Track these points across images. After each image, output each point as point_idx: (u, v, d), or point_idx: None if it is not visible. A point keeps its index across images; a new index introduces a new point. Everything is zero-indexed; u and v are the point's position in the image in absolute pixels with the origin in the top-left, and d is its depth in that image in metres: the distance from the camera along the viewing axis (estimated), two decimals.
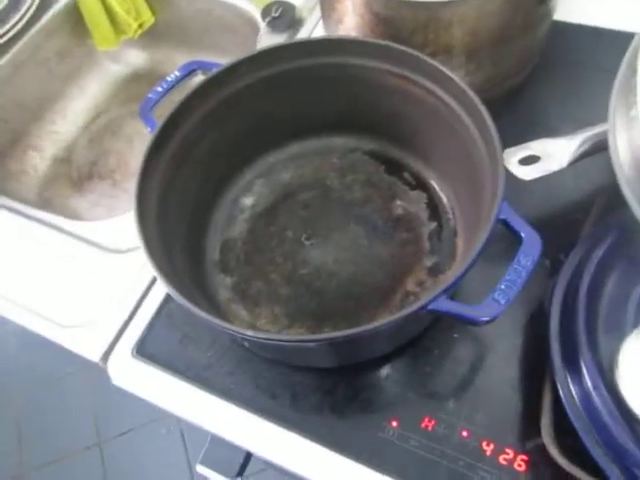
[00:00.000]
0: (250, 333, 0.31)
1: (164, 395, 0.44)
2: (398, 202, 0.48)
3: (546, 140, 0.41)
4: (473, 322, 0.31)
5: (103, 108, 0.82)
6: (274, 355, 0.42)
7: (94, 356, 0.46)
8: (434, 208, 0.47)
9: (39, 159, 0.78)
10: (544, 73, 0.53)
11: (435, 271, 0.44)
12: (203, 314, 0.33)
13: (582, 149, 0.41)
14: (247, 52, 0.44)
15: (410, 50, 0.41)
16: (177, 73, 0.44)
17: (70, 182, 0.76)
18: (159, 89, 0.44)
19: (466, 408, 0.39)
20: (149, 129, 0.42)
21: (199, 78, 0.46)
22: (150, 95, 0.43)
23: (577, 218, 0.43)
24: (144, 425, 1.25)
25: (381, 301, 0.43)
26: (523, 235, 0.33)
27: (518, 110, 0.52)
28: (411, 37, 0.45)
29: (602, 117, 0.40)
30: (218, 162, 0.48)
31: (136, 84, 0.84)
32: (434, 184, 0.48)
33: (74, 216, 0.71)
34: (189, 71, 0.45)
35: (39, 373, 1.33)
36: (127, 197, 0.72)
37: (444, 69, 0.40)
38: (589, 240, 0.39)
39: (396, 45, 0.41)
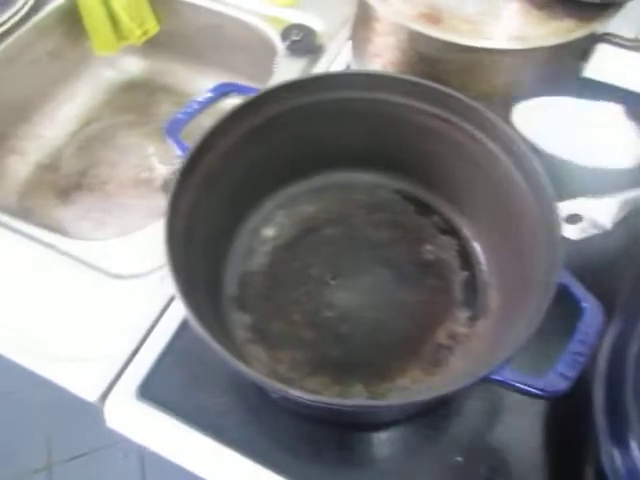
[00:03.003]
0: (310, 397, 0.28)
1: (169, 444, 0.40)
2: (428, 246, 0.46)
3: (589, 199, 0.41)
4: (535, 395, 0.30)
5: (95, 115, 0.78)
6: (299, 408, 0.39)
7: (90, 395, 0.41)
8: (466, 256, 0.45)
9: (22, 164, 0.72)
10: None
11: (468, 324, 0.42)
12: (247, 370, 0.30)
13: (625, 211, 0.40)
14: (272, 77, 0.42)
15: (458, 94, 0.40)
16: (210, 94, 0.41)
17: (54, 191, 0.71)
18: (189, 110, 0.40)
19: (490, 475, 0.37)
20: (179, 152, 0.39)
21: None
22: (179, 115, 0.40)
23: (615, 282, 0.42)
24: (100, 448, 1.17)
25: (411, 352, 0.41)
26: (585, 305, 0.32)
27: None
28: (452, 80, 0.44)
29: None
30: (242, 190, 0.45)
31: (131, 93, 0.80)
32: (466, 232, 0.46)
33: (57, 228, 0.66)
34: (223, 92, 0.42)
35: None
36: (119, 213, 0.68)
37: (495, 118, 0.39)
38: (630, 308, 0.38)
39: (446, 88, 0.40)
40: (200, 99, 0.41)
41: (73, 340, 0.43)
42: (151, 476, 1.14)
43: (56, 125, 0.75)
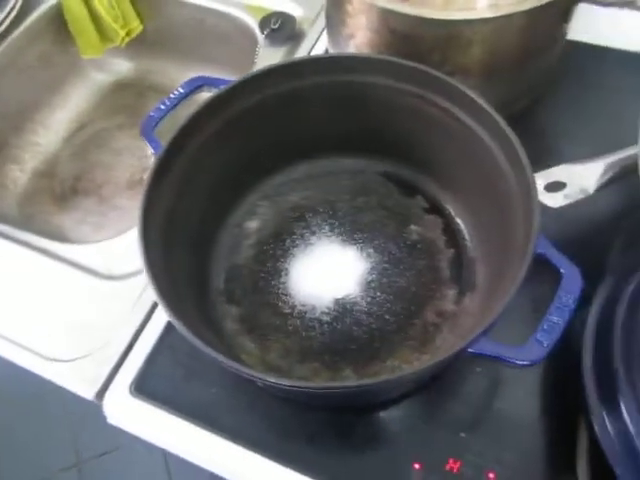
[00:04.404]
0: (280, 381, 0.29)
1: (167, 436, 0.41)
2: (413, 227, 0.46)
3: (570, 165, 0.40)
4: (514, 365, 0.29)
5: (87, 119, 0.78)
6: (289, 395, 0.39)
7: (88, 393, 0.42)
8: (451, 234, 0.45)
9: (19, 172, 0.73)
10: (556, 94, 0.51)
11: (455, 300, 0.42)
12: (222, 358, 0.30)
13: (608, 175, 0.39)
14: (254, 68, 0.42)
15: (432, 70, 0.39)
16: (181, 89, 0.41)
17: (53, 198, 0.72)
18: (162, 107, 0.41)
19: (493, 448, 0.37)
20: (152, 151, 0.39)
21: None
22: (152, 113, 0.40)
23: (604, 245, 0.41)
24: (125, 445, 1.19)
25: (400, 333, 0.41)
26: (563, 271, 0.31)
27: (530, 133, 0.50)
28: (428, 55, 0.43)
29: (622, 141, 0.39)
30: (222, 184, 0.45)
31: (122, 94, 0.81)
32: (450, 209, 0.46)
33: (58, 234, 0.67)
34: (194, 87, 0.42)
35: (12, 385, 1.26)
36: (116, 215, 0.68)
37: (468, 91, 0.38)
38: (619, 269, 0.37)
39: (418, 65, 0.39)
40: (172, 95, 0.41)
41: (67, 341, 0.44)
42: (174, 468, 1.17)
43: (50, 131, 0.76)
